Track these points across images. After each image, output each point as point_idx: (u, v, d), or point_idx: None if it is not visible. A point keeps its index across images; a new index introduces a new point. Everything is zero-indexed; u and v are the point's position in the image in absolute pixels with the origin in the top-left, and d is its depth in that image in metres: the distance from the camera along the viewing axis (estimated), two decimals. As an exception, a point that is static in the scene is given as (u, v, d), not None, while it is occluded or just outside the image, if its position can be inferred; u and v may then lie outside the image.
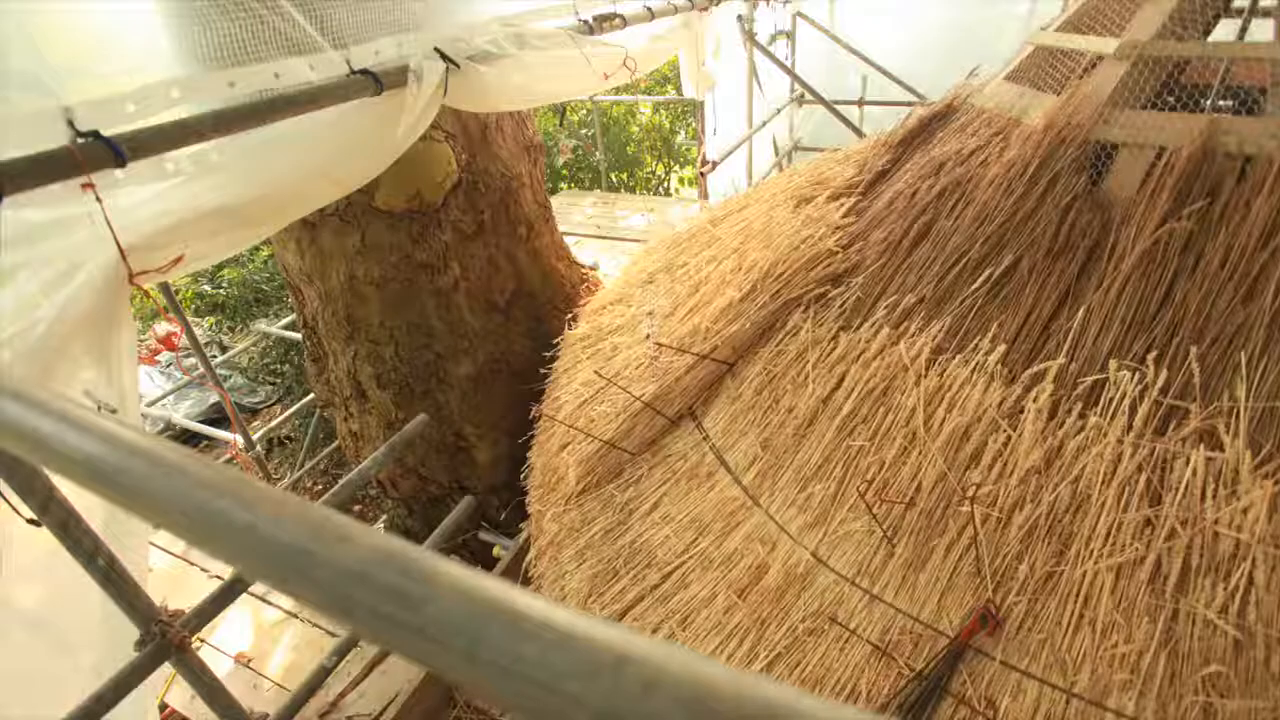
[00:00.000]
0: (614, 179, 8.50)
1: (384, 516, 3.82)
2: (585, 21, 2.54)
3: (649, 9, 2.96)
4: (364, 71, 1.71)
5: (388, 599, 0.35)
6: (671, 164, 9.30)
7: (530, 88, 2.17)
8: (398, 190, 2.54)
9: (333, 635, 2.92)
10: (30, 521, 1.30)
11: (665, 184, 9.40)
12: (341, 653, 2.09)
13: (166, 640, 1.51)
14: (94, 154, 1.19)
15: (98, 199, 1.22)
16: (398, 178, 2.43)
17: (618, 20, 2.72)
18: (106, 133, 1.25)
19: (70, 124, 1.19)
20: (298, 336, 4.67)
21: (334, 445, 4.73)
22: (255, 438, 3.38)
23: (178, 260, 1.34)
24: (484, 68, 1.99)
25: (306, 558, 0.38)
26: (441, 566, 0.35)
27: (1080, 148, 1.76)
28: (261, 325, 5.58)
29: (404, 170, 2.27)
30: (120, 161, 1.23)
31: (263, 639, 3.03)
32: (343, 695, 2.58)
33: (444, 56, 1.90)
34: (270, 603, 3.13)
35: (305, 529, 0.39)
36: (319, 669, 2.03)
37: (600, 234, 5.77)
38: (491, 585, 0.34)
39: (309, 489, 5.52)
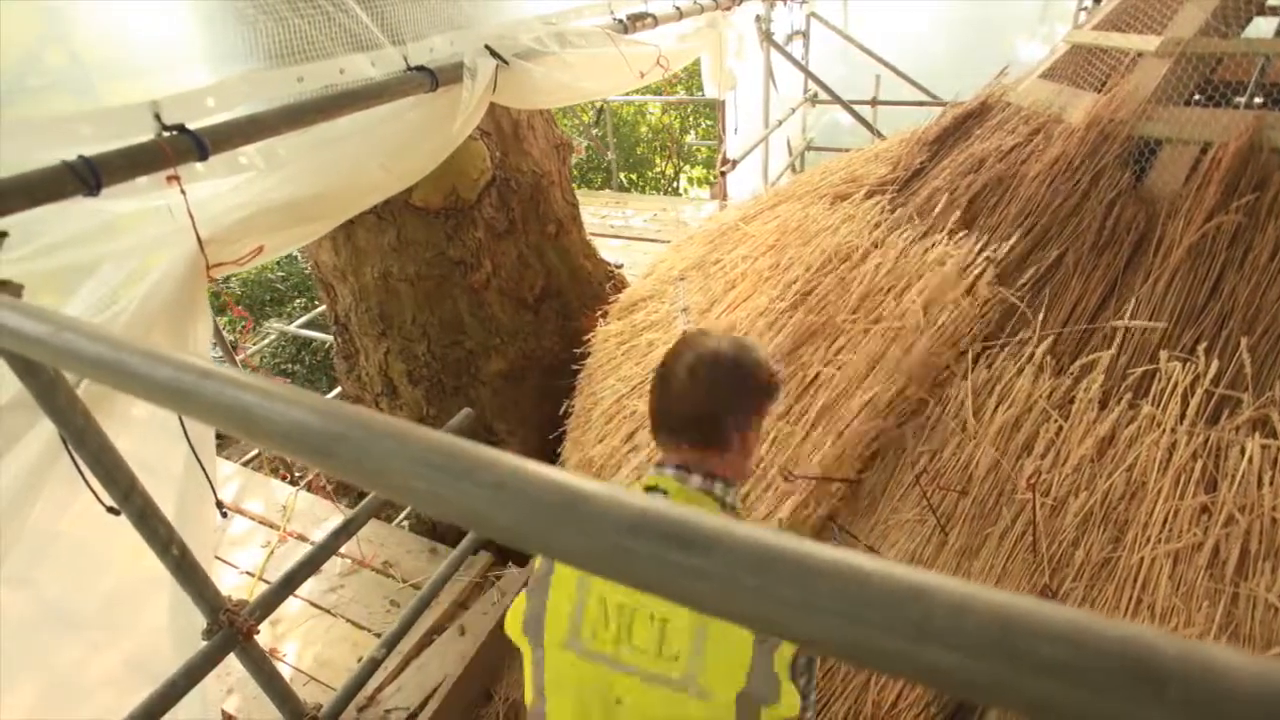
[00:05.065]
0: (623, 179, 8.53)
1: (405, 509, 3.83)
2: (620, 20, 2.56)
3: (678, 8, 2.99)
4: (420, 68, 1.74)
5: (670, 545, 0.37)
6: (681, 165, 9.34)
7: (572, 86, 2.19)
8: (435, 187, 2.56)
9: (361, 629, 2.93)
10: (110, 510, 1.32)
11: (675, 184, 9.43)
12: (390, 644, 2.10)
13: (234, 629, 1.52)
14: (180, 147, 1.22)
15: (182, 191, 1.24)
16: (435, 175, 2.44)
17: (649, 19, 2.75)
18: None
19: (157, 117, 1.21)
20: (312, 335, 4.69)
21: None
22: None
23: (257, 252, 1.36)
24: (531, 65, 2.01)
25: (571, 512, 0.40)
26: (707, 517, 0.38)
27: (1124, 144, 1.79)
28: (274, 324, 5.59)
29: (442, 167, 2.28)
30: (203, 155, 1.25)
31: (291, 633, 3.04)
32: (380, 689, 2.59)
33: (494, 54, 1.92)
34: (298, 596, 3.14)
35: (554, 488, 0.41)
36: (369, 661, 2.05)
37: (613, 233, 5.80)
38: (766, 531, 0.36)
39: (323, 487, 5.53)
